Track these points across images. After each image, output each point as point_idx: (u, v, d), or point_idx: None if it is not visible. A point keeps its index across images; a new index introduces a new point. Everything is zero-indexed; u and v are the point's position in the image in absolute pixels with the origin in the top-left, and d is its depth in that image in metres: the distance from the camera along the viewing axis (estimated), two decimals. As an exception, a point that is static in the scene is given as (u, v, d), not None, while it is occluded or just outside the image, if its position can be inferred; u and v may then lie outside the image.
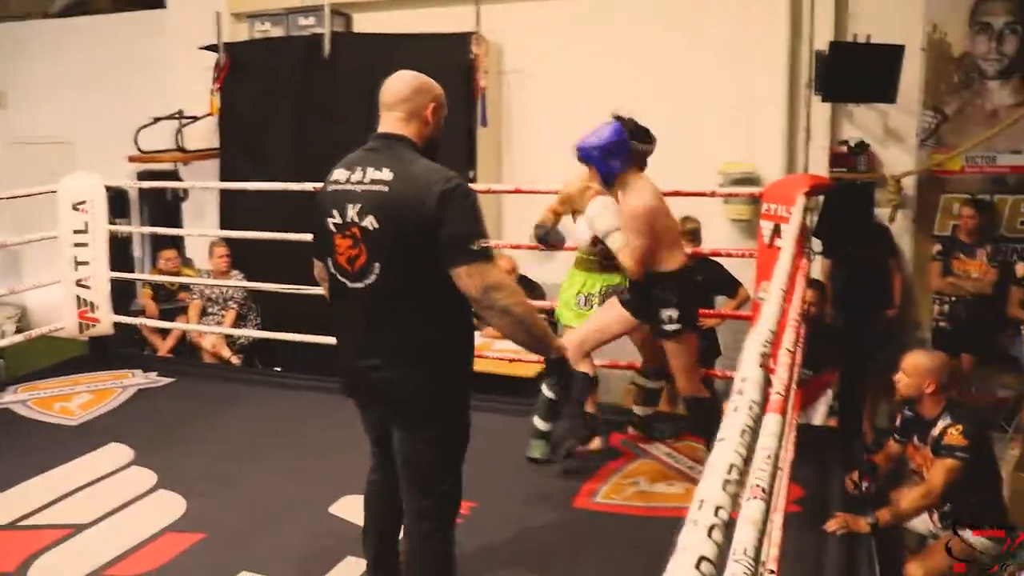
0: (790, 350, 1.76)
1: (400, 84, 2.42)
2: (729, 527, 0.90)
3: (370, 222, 2.26)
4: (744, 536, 1.02)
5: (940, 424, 3.40)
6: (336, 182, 2.36)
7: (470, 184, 2.55)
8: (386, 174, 2.27)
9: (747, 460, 0.98)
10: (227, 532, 3.30)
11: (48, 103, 8.09)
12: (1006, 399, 5.46)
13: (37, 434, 4.30)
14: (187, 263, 6.86)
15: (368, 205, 2.27)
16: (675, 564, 0.73)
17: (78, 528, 3.33)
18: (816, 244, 5.58)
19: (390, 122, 2.41)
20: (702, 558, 0.73)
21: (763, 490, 1.13)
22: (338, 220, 2.32)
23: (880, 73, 5.17)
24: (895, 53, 5.17)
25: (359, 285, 2.31)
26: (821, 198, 5.39)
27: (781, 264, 2.19)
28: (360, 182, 2.30)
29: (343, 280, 2.35)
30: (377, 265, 2.28)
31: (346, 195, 2.31)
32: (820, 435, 4.33)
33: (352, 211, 2.29)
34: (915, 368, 3.50)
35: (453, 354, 2.40)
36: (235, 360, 6.12)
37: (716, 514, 0.80)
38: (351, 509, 3.44)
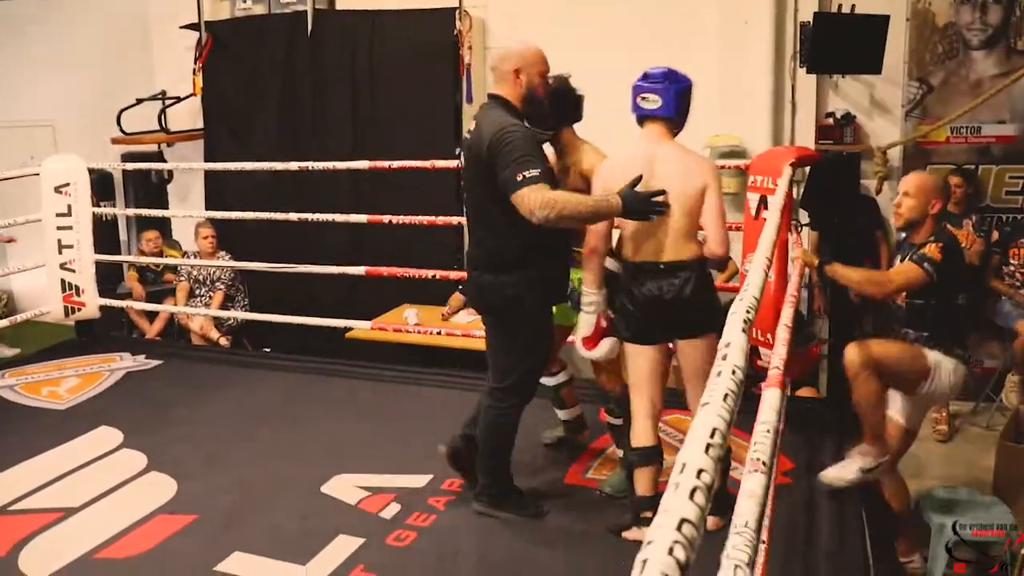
0: (788, 325, 1.76)
1: (496, 55, 3.07)
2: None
3: (462, 162, 3.09)
4: (745, 509, 1.02)
5: (929, 240, 3.31)
6: (465, 136, 3.10)
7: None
8: (474, 125, 2.99)
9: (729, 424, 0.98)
10: (219, 513, 3.30)
11: (27, 85, 7.98)
12: (993, 368, 5.49)
13: (25, 419, 4.29)
14: (173, 245, 6.83)
15: (464, 150, 3.06)
16: (656, 526, 0.73)
17: (68, 512, 3.32)
18: (803, 216, 5.58)
19: (494, 85, 3.07)
20: (683, 520, 0.73)
21: (763, 463, 1.13)
22: (460, 163, 3.17)
23: (865, 44, 5.15)
24: (880, 23, 5.14)
25: (467, 211, 3.12)
26: (807, 170, 5.39)
27: (766, 234, 2.19)
28: (467, 132, 3.06)
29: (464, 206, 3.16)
30: (466, 196, 3.10)
31: (464, 143, 3.10)
32: (809, 406, 4.35)
33: (462, 158, 3.11)
34: (920, 188, 3.36)
35: (525, 267, 2.98)
36: (224, 341, 6.10)
37: (698, 477, 0.80)
38: (343, 488, 3.45)
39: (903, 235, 3.51)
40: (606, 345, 3.11)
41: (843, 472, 3.32)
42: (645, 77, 2.95)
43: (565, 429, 3.82)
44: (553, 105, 3.15)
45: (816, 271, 3.33)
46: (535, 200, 2.74)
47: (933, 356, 3.31)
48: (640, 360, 3.01)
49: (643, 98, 2.92)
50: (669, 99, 2.90)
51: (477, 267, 3.10)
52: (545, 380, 3.55)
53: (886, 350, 3.28)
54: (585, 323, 3.09)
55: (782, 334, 1.61)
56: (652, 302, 2.91)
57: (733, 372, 1.04)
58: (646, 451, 2.99)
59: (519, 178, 2.76)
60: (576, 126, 3.35)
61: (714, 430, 0.90)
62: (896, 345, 3.35)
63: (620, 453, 3.47)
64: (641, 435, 3.01)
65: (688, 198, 2.88)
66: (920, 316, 3.34)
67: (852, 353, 3.24)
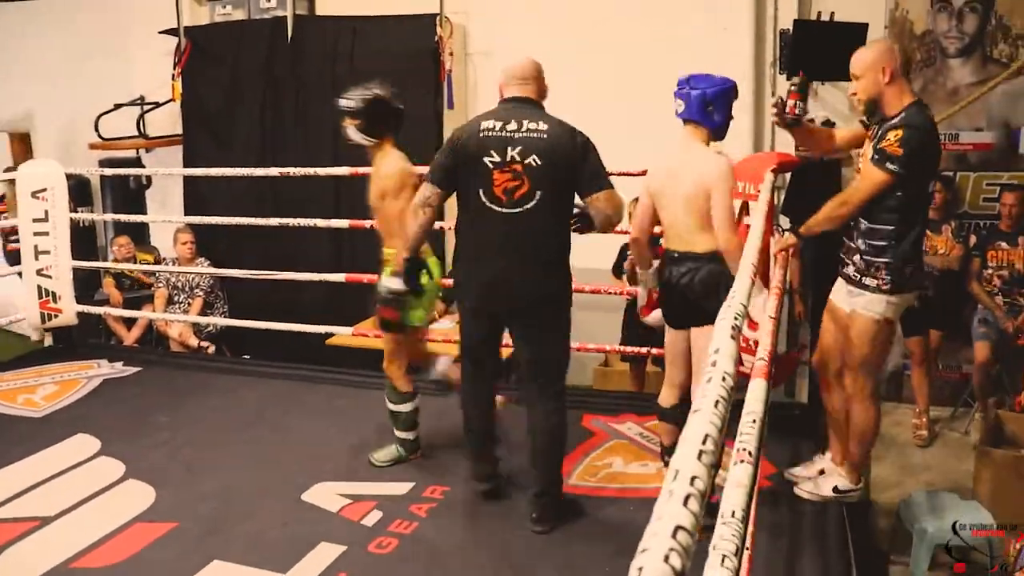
0: (772, 316, 1.76)
1: (531, 66, 3.18)
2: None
3: (533, 160, 2.97)
4: (732, 499, 1.01)
5: (892, 122, 3.03)
6: (490, 130, 3.03)
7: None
8: (542, 125, 3.01)
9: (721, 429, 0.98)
10: (198, 522, 3.26)
11: (3, 89, 7.91)
12: (970, 374, 5.53)
13: (1, 427, 4.23)
14: (150, 251, 6.76)
15: (530, 147, 2.98)
16: (651, 533, 0.72)
17: (45, 520, 3.28)
18: (784, 221, 5.61)
19: (525, 90, 3.13)
20: (678, 527, 0.72)
21: (749, 453, 1.13)
22: (496, 159, 3.00)
23: (844, 51, 5.16)
24: (859, 31, 5.18)
25: (516, 210, 3.00)
26: (788, 176, 5.42)
27: (751, 240, 2.19)
28: (517, 130, 3.01)
29: (493, 207, 3.02)
30: (539, 193, 2.99)
31: (505, 140, 3.00)
32: (791, 412, 4.36)
33: (512, 152, 2.98)
34: (864, 63, 3.09)
35: (567, 260, 3.15)
36: (204, 347, 6.04)
37: (692, 484, 0.79)
38: (324, 496, 3.43)
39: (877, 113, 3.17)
40: (657, 313, 3.46)
41: (818, 488, 3.35)
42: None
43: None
44: (384, 116, 3.52)
45: (796, 248, 3.28)
46: (617, 202, 3.04)
47: (881, 317, 3.14)
48: (668, 337, 3.35)
49: (676, 103, 3.17)
50: (691, 103, 3.13)
51: (532, 264, 3.06)
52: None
53: (850, 352, 3.23)
54: (640, 295, 3.50)
55: (767, 325, 1.61)
56: (670, 287, 3.21)
57: (723, 378, 1.04)
58: (665, 410, 3.40)
59: (605, 183, 3.03)
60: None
61: (706, 436, 0.89)
62: (850, 343, 3.24)
63: (402, 436, 3.72)
64: (664, 398, 3.41)
65: (691, 198, 3.10)
66: (875, 227, 3.10)
67: (847, 383, 3.29)
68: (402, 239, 3.26)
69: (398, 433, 3.72)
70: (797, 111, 3.33)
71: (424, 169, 3.31)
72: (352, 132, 3.52)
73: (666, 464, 3.44)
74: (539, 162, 2.97)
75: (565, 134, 3.02)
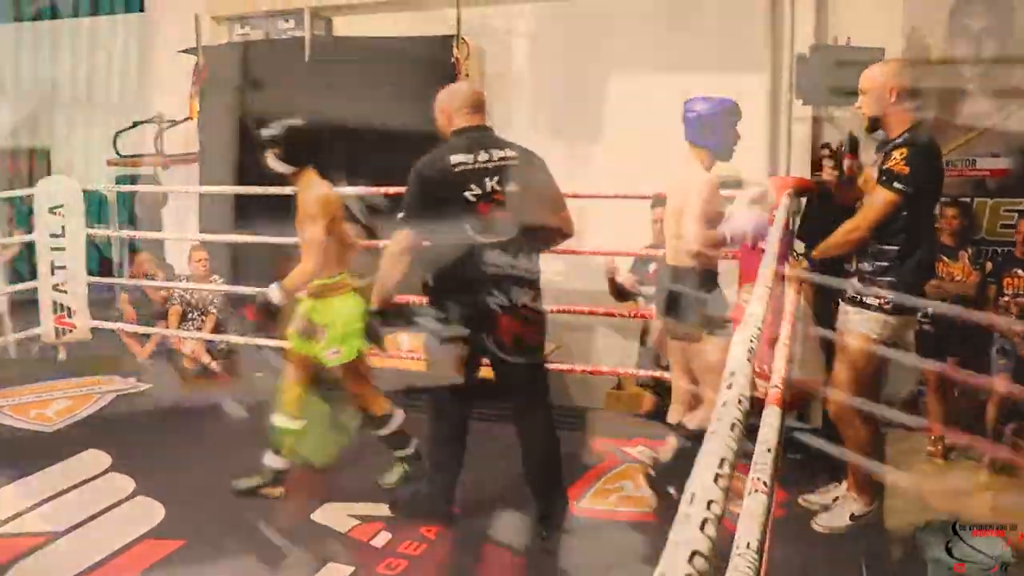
0: (786, 343, 1.75)
1: (480, 93, 3.19)
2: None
3: (512, 187, 2.98)
4: (746, 530, 1.00)
5: (896, 142, 3.07)
6: (462, 164, 2.99)
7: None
8: (509, 152, 3.04)
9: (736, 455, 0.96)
10: (207, 539, 3.25)
11: (23, 106, 7.98)
12: (987, 402, 5.46)
13: (13, 441, 4.24)
14: (164, 267, 6.78)
15: (506, 176, 2.99)
16: (667, 559, 0.70)
17: (54, 536, 3.27)
18: (799, 246, 5.58)
19: (477, 118, 3.11)
20: (695, 552, 0.71)
21: (764, 483, 1.11)
22: (478, 191, 2.97)
23: (861, 75, 5.18)
24: (875, 55, 5.18)
25: (503, 238, 2.97)
26: (803, 200, 5.40)
27: (766, 265, 2.18)
28: (489, 160, 3.00)
29: (480, 238, 2.97)
30: (520, 218, 3.00)
31: (481, 172, 2.98)
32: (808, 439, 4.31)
33: (491, 183, 2.98)
34: (872, 81, 3.11)
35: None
36: (215, 366, 6.04)
37: (708, 508, 0.78)
38: (333, 516, 3.41)
39: (880, 132, 3.24)
40: None
41: (834, 520, 3.32)
42: None
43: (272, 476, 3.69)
44: (303, 145, 3.52)
45: (810, 271, 3.32)
46: (569, 223, 3.14)
47: (877, 336, 3.14)
48: (670, 349, 3.40)
49: None
50: (688, 125, 3.23)
51: (526, 289, 3.05)
52: (287, 423, 3.65)
53: (843, 371, 3.25)
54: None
55: (782, 351, 1.59)
56: (665, 295, 3.28)
57: (739, 401, 1.02)
58: (672, 428, 3.41)
59: (562, 203, 3.13)
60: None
61: (723, 460, 0.88)
62: (844, 361, 3.27)
63: (400, 454, 3.70)
64: (672, 415, 3.46)
65: (675, 214, 3.22)
66: (883, 247, 3.11)
67: (830, 403, 3.30)
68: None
69: (395, 453, 3.70)
70: (854, 169, 3.40)
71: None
72: (272, 161, 3.52)
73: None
74: (517, 189, 3.02)
75: (530, 158, 3.09)
